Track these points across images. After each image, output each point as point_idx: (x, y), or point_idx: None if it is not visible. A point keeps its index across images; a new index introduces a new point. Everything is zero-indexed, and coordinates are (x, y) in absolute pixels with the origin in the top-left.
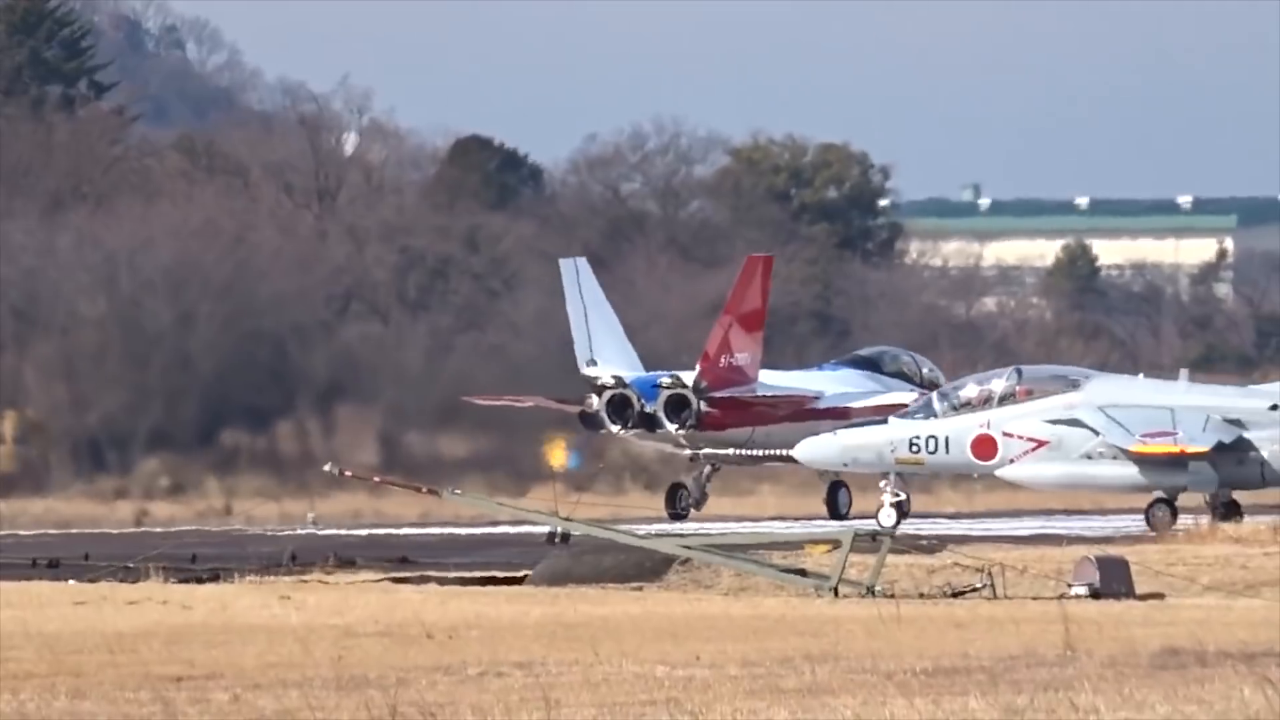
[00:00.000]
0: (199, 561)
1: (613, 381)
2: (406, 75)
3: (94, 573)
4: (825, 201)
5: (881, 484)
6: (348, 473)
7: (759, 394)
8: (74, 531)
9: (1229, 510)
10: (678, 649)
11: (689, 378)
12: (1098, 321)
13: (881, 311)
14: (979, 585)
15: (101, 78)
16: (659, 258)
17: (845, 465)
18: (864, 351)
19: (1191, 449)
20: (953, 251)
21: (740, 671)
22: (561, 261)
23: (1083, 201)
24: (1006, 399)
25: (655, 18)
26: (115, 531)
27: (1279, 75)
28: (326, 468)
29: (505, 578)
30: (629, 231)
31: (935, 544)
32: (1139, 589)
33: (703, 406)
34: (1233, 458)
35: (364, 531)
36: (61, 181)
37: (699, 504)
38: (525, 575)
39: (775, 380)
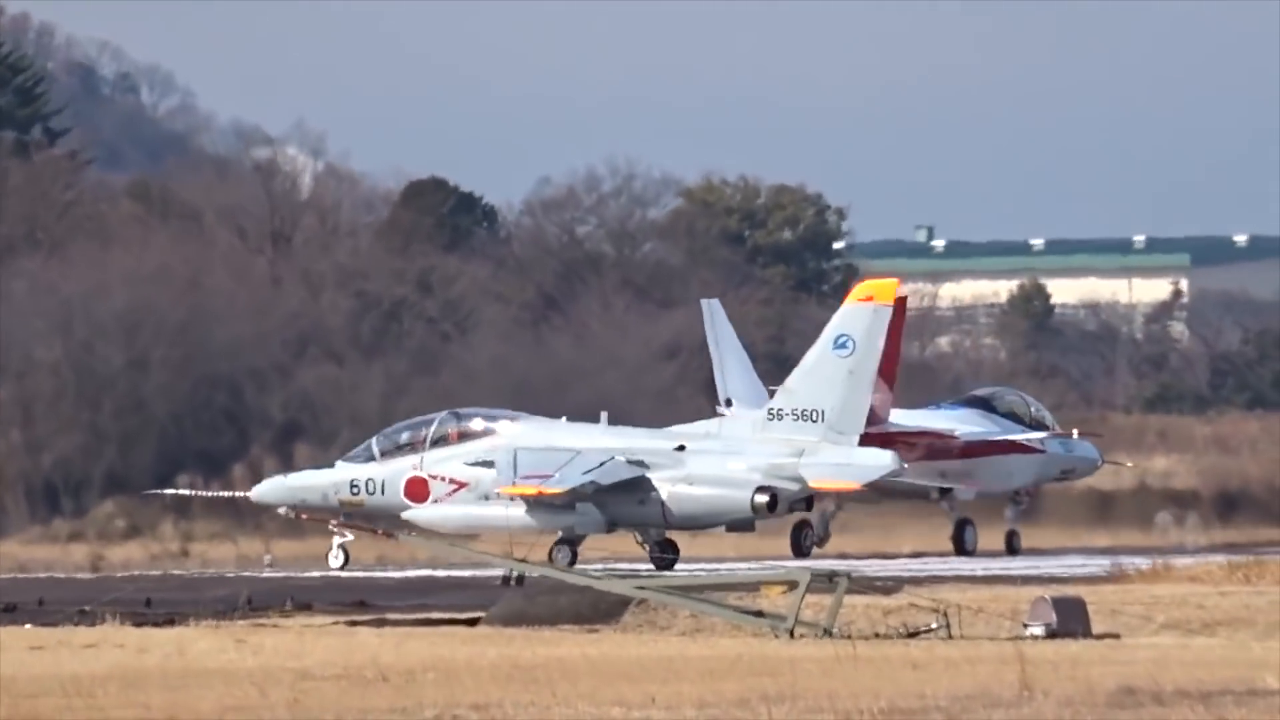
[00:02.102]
0: (155, 605)
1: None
2: (360, 118)
3: (50, 617)
4: (780, 243)
5: (331, 525)
6: (304, 515)
7: (894, 430)
8: (30, 575)
9: (666, 548)
10: (634, 690)
11: None
12: (1053, 361)
13: None
14: (935, 626)
15: (55, 123)
16: (614, 299)
17: (294, 506)
18: (979, 392)
19: (552, 490)
20: (909, 292)
21: (696, 713)
22: (702, 302)
23: (1037, 241)
24: (439, 442)
25: (608, 60)
26: (71, 575)
27: (1232, 116)
28: (282, 511)
29: (461, 619)
30: (584, 273)
31: (892, 585)
32: (1095, 628)
33: None
34: (633, 498)
35: (320, 573)
36: (15, 227)
37: (822, 541)
38: (481, 617)
39: (903, 419)
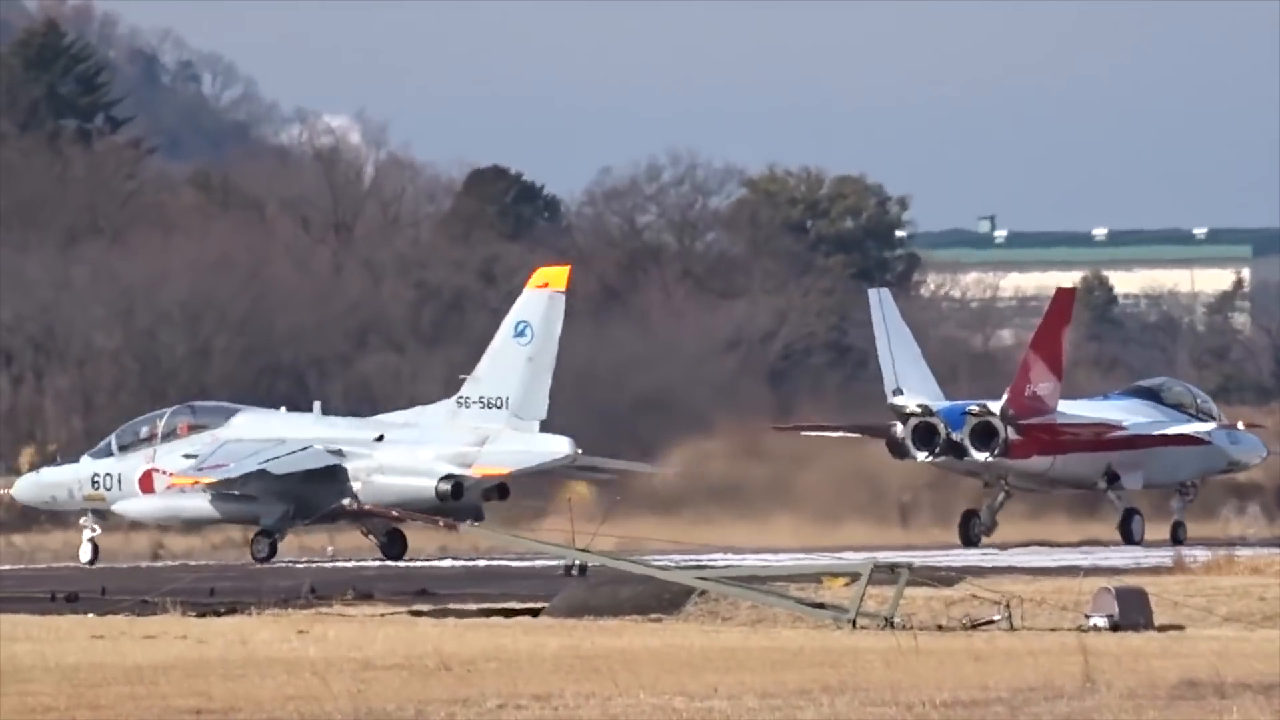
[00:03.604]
0: (217, 595)
1: (919, 410)
2: (422, 108)
3: (112, 606)
4: (842, 233)
5: (81, 521)
6: (366, 505)
7: (1064, 422)
8: (110, 565)
9: (393, 537)
10: (695, 681)
11: (996, 406)
12: (1115, 353)
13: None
14: (997, 617)
15: (117, 112)
16: (675, 289)
17: (47, 503)
18: (1145, 382)
19: (210, 480)
20: (970, 283)
21: (758, 703)
22: (869, 292)
23: (1099, 232)
24: (169, 436)
25: (671, 50)
26: (133, 565)
27: None
28: (345, 501)
29: (523, 609)
30: (645, 263)
31: (954, 576)
32: (1158, 620)
33: (1011, 434)
34: (330, 487)
35: (383, 563)
36: (78, 216)
37: (989, 530)
38: (543, 607)
39: (1071, 409)
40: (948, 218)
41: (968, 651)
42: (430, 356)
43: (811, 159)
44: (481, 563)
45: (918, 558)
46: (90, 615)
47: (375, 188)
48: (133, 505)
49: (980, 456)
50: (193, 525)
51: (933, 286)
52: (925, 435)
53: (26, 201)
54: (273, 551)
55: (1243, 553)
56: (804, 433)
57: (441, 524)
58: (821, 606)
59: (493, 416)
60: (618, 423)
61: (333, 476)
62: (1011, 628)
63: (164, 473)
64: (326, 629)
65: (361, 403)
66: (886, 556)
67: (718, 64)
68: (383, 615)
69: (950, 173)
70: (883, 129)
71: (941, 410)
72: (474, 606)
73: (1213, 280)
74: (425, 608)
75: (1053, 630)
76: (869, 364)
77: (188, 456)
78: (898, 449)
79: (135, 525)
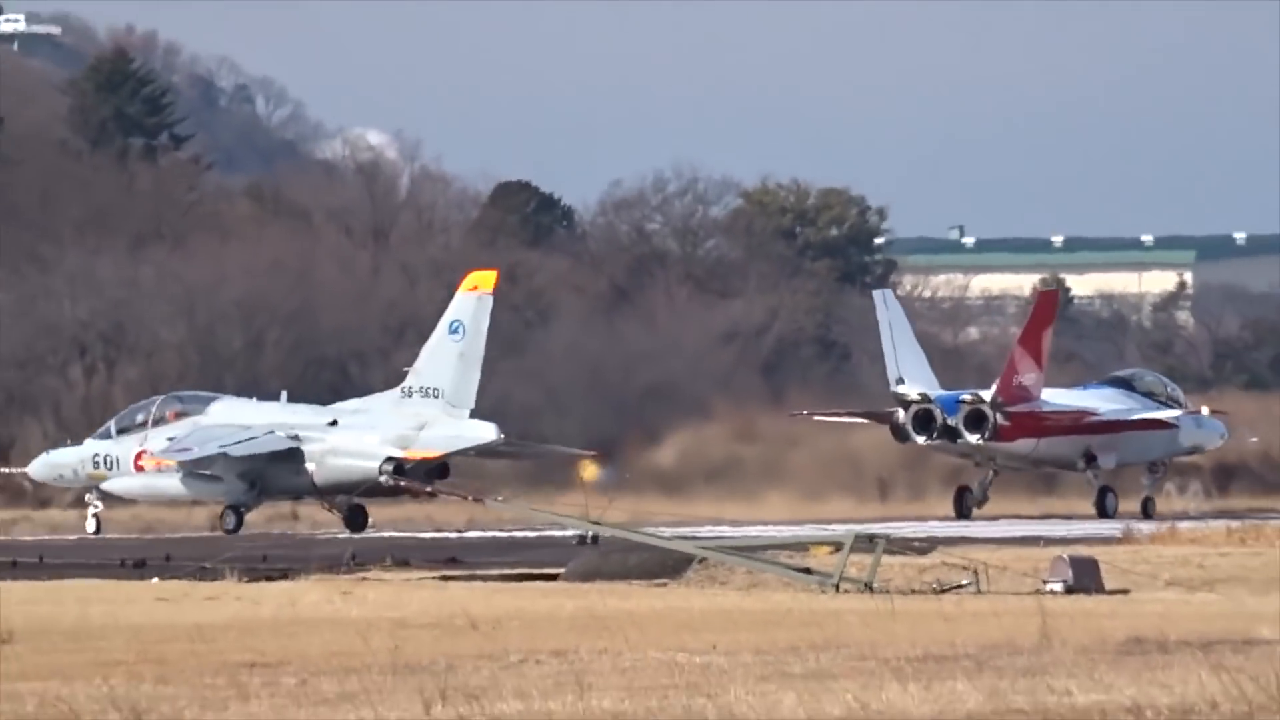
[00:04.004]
0: (269, 562)
1: (919, 398)
2: (453, 125)
3: (175, 572)
4: (827, 239)
5: (86, 498)
6: (402, 482)
7: (1047, 409)
8: (157, 535)
9: (355, 513)
10: (696, 639)
11: (987, 395)
12: (1071, 347)
13: (877, 339)
14: (965, 582)
15: (179, 130)
16: (678, 290)
17: (57, 480)
18: (1120, 373)
19: (169, 460)
20: (941, 284)
21: (752, 659)
22: (875, 293)
23: (1057, 239)
24: (160, 421)
25: (675, 74)
26: (194, 535)
27: (1233, 125)
28: (383, 479)
29: (542, 575)
30: (651, 266)
31: (926, 546)
32: (1108, 585)
33: (999, 419)
34: (289, 468)
35: (417, 534)
36: (144, 223)
37: (980, 504)
38: (559, 573)
39: (1053, 398)
40: (921, 226)
41: (938, 613)
42: None
43: (801, 173)
44: (503, 534)
45: (894, 529)
46: (155, 580)
47: (410, 198)
48: (120, 483)
49: (973, 439)
50: (170, 502)
51: (908, 288)
52: (924, 421)
53: (98, 211)
54: (239, 524)
55: (1184, 525)
56: (816, 418)
57: (469, 498)
58: (808, 572)
59: (430, 405)
60: (626, 409)
61: (291, 458)
62: (978, 591)
63: (151, 454)
64: (367, 592)
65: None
66: (866, 528)
67: (718, 85)
68: (417, 580)
69: (924, 186)
70: (864, 146)
71: (938, 398)
72: (498, 572)
73: (1159, 282)
74: (455, 573)
75: (1014, 594)
76: (851, 356)
77: (170, 440)
78: (899, 433)
79: (126, 501)
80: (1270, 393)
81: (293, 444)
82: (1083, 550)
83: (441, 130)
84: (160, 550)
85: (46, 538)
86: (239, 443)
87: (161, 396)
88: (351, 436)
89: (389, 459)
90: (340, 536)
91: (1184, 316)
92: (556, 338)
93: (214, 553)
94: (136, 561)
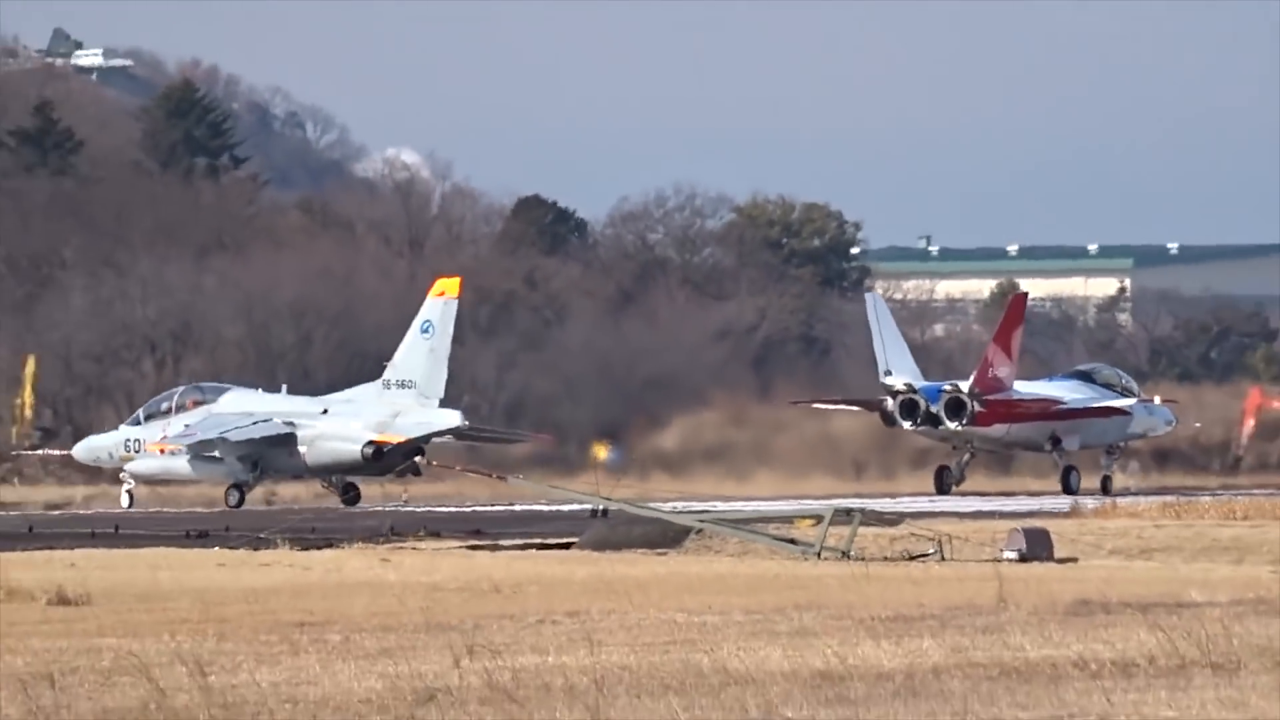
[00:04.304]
0: (317, 532)
1: (905, 388)
2: (479, 149)
3: (234, 541)
4: (810, 249)
5: (120, 475)
6: (434, 462)
7: (1018, 398)
8: (218, 509)
9: (348, 490)
10: (694, 600)
11: (965, 385)
12: (1024, 344)
13: (853, 336)
14: (931, 551)
15: (238, 152)
16: (678, 293)
17: (95, 461)
18: (1081, 367)
19: (169, 446)
20: (910, 288)
21: (743, 618)
22: (866, 295)
23: (1012, 248)
24: (180, 409)
25: (677, 101)
26: (251, 509)
27: (1168, 145)
28: (418, 459)
29: (557, 544)
30: (654, 272)
31: (896, 518)
32: (1057, 554)
33: (976, 407)
34: (284, 451)
35: (447, 508)
36: (207, 234)
37: (959, 482)
38: (573, 543)
39: (1023, 388)
40: (893, 236)
41: (907, 578)
42: (485, 346)
43: (786, 190)
44: (521, 507)
45: (869, 504)
46: (216, 548)
47: (442, 212)
48: (141, 464)
49: (952, 425)
50: (181, 481)
51: (880, 291)
52: (909, 408)
53: (167, 223)
54: (241, 500)
55: (1124, 501)
56: (814, 405)
57: (494, 476)
58: (793, 542)
59: (405, 395)
60: (631, 398)
61: (287, 442)
62: (942, 559)
63: (165, 439)
64: (403, 559)
65: None
66: (844, 503)
67: (713, 113)
68: (447, 549)
69: (895, 201)
70: (843, 166)
71: (922, 388)
72: (519, 542)
73: (1102, 287)
74: (481, 543)
75: (974, 561)
76: (831, 351)
77: (185, 426)
78: (887, 418)
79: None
80: (1200, 384)
81: (288, 430)
82: (1035, 523)
83: (470, 151)
84: (221, 522)
85: (120, 511)
86: (238, 428)
87: (183, 387)
88: (339, 423)
89: (369, 443)
90: (380, 510)
91: (1124, 317)
92: (571, 335)
93: (267, 524)
94: (200, 532)
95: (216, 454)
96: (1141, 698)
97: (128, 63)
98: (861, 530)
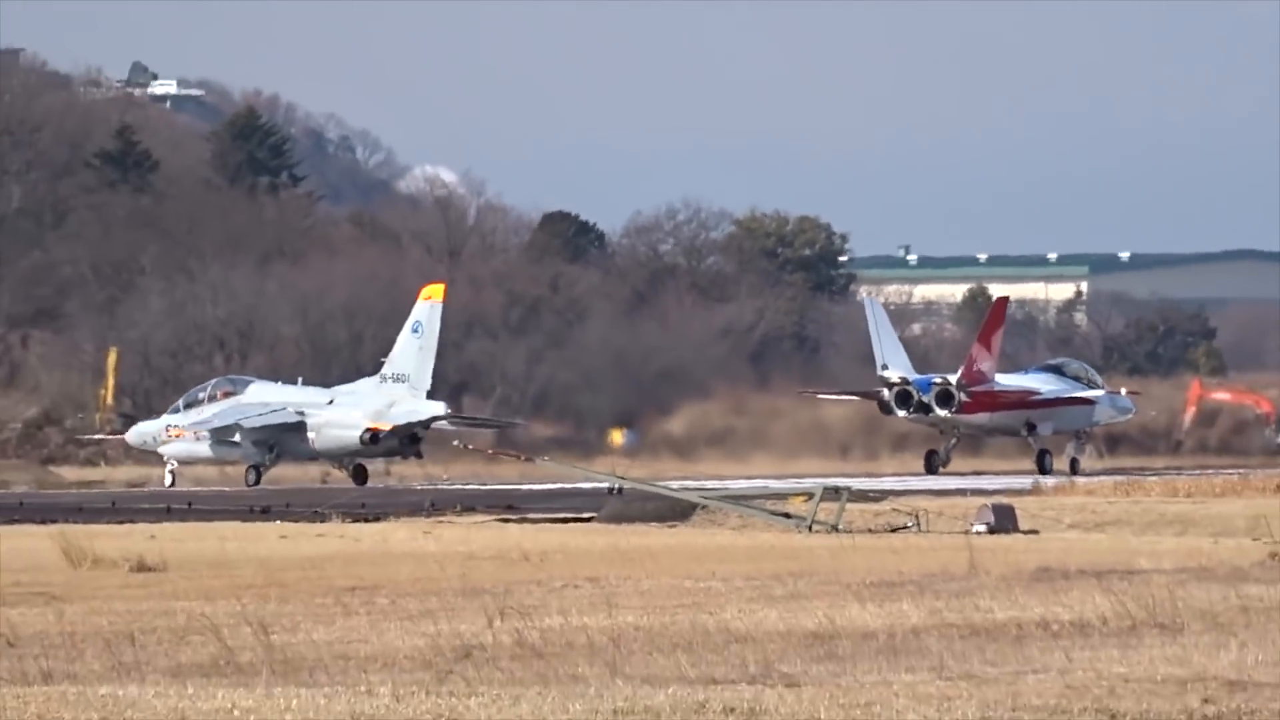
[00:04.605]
0: (366, 508)
1: (899, 380)
2: (510, 167)
3: (293, 516)
4: (802, 257)
5: (164, 457)
6: (470, 446)
7: (999, 389)
8: (277, 487)
9: (358, 471)
10: (699, 568)
11: (953, 378)
12: None
13: (841, 335)
14: (909, 524)
15: (296, 171)
16: (685, 296)
17: (143, 445)
18: (1052, 361)
19: (180, 431)
20: (891, 292)
21: (744, 584)
22: (864, 300)
23: (982, 256)
24: (213, 398)
25: (683, 127)
26: (308, 487)
27: (1120, 164)
28: (455, 443)
29: (579, 518)
30: (664, 278)
31: (879, 495)
32: (1022, 526)
33: (962, 397)
34: (296, 436)
35: (482, 486)
36: (269, 244)
37: (945, 464)
38: (593, 516)
39: (1003, 380)
40: (875, 246)
41: (889, 548)
42: (515, 343)
43: (781, 204)
44: (547, 485)
45: (854, 483)
46: (278, 521)
47: (476, 225)
48: (172, 449)
49: (942, 413)
50: (207, 463)
51: (864, 295)
52: (903, 398)
53: (233, 234)
54: (258, 480)
55: (1080, 480)
56: (819, 396)
57: (523, 458)
58: (787, 516)
59: (399, 388)
60: (644, 389)
61: (298, 429)
62: (920, 531)
63: (186, 425)
64: (443, 531)
65: (468, 375)
66: (832, 482)
67: (716, 137)
68: (482, 522)
69: (878, 214)
70: (831, 183)
71: (915, 381)
72: (546, 516)
73: (1061, 291)
74: (512, 516)
75: (948, 533)
76: (820, 349)
77: (215, 414)
78: (884, 407)
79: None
80: (1148, 377)
81: (299, 418)
82: (1002, 500)
83: (501, 168)
84: (282, 499)
85: (191, 489)
86: (253, 416)
87: (215, 379)
88: (342, 412)
89: (366, 430)
90: (421, 488)
91: (1080, 318)
92: (590, 333)
93: (323, 500)
94: (263, 508)
95: (235, 439)
96: (1096, 654)
97: (198, 92)
98: (849, 506)
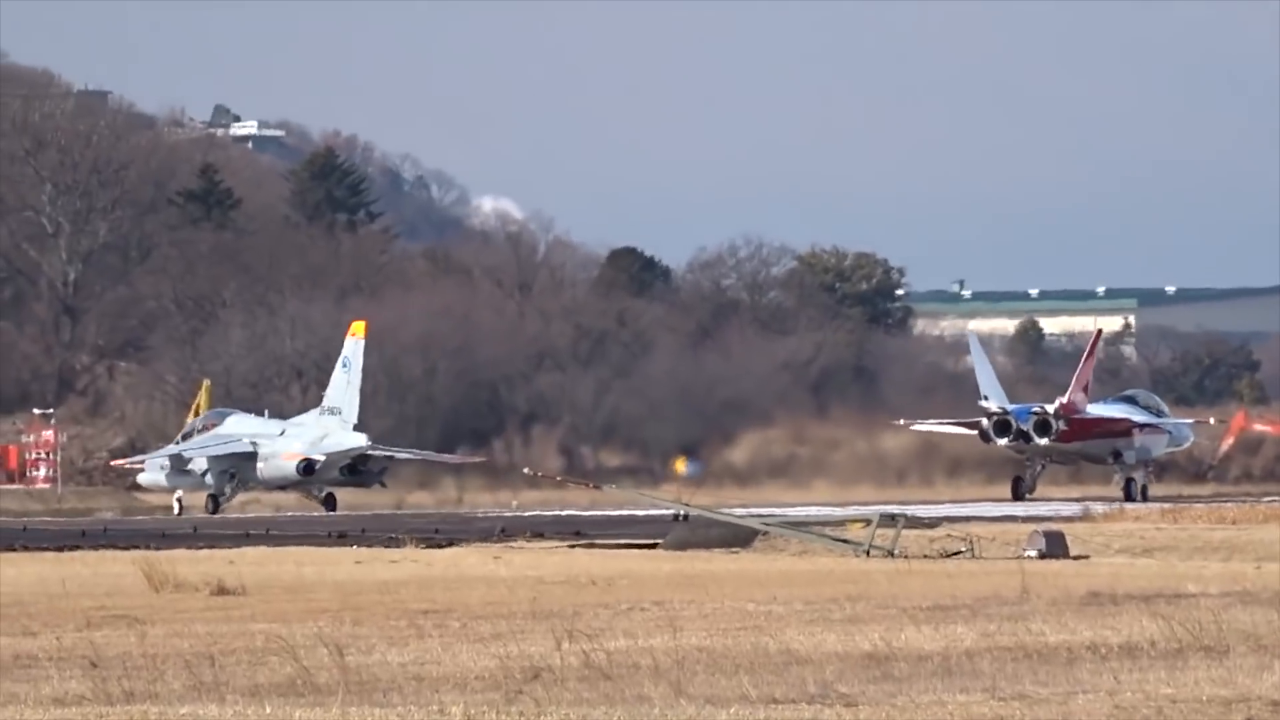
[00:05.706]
0: (440, 533)
1: (999, 410)
2: (579, 205)
3: (369, 541)
4: (860, 292)
5: (141, 483)
6: (540, 474)
7: (1091, 418)
8: (354, 513)
9: (328, 499)
10: (761, 592)
11: (1049, 408)
12: (1044, 373)
13: (898, 367)
14: (963, 550)
15: (373, 209)
16: (747, 330)
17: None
18: (1128, 392)
19: (129, 465)
20: (946, 325)
21: (803, 607)
22: (970, 336)
23: (1034, 291)
24: (203, 429)
25: (746, 167)
26: (383, 513)
27: (1168, 200)
28: (526, 470)
29: (645, 544)
30: (727, 312)
31: (934, 522)
32: (1072, 552)
33: (1060, 425)
34: (252, 466)
35: (551, 513)
36: (346, 279)
37: (1031, 490)
38: (658, 543)
39: (1094, 410)
40: (931, 281)
41: (943, 572)
42: (584, 375)
43: (840, 241)
44: (614, 512)
45: (910, 510)
46: (354, 546)
47: (546, 260)
48: (144, 476)
49: (1040, 441)
50: (164, 490)
51: (920, 328)
52: (1002, 427)
53: (312, 269)
54: (216, 507)
55: (1129, 507)
56: (914, 426)
57: (591, 485)
58: (845, 542)
59: (332, 420)
60: (707, 419)
61: (250, 457)
62: (973, 556)
63: (152, 455)
64: (513, 556)
65: (538, 405)
66: (888, 509)
67: (778, 176)
68: (551, 547)
69: (933, 250)
70: (889, 220)
71: (1014, 410)
72: (613, 541)
73: (1110, 324)
74: (580, 542)
75: (1000, 559)
76: (878, 380)
77: (176, 443)
78: (984, 436)
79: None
80: (1194, 408)
81: (251, 448)
82: (1052, 526)
83: (570, 207)
84: (357, 525)
85: (269, 515)
86: (205, 447)
87: (208, 412)
88: (285, 443)
89: (303, 459)
90: (492, 515)
91: (1129, 350)
92: (656, 365)
93: (397, 526)
94: (339, 534)
95: (190, 469)
96: (1144, 676)
97: (279, 133)
98: (905, 532)
